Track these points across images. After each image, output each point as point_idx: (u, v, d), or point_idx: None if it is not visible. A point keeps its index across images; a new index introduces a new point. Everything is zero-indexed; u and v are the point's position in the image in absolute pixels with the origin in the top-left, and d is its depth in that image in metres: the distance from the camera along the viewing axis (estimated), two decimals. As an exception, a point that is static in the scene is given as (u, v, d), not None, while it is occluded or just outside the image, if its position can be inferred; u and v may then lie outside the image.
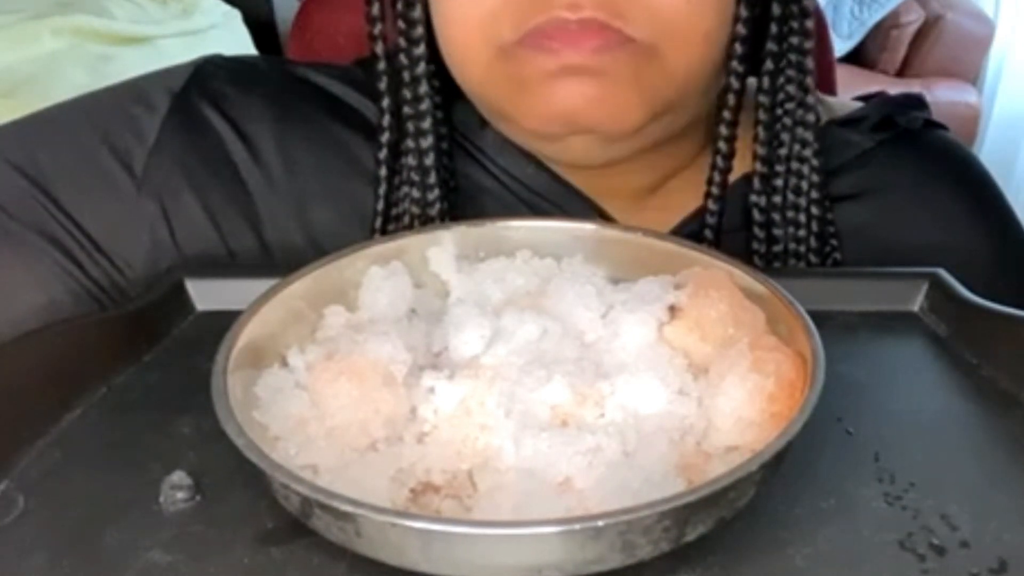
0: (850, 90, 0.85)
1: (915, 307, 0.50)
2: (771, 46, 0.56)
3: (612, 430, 0.35)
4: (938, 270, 0.50)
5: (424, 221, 0.57)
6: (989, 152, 2.78)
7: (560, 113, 0.50)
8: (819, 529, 0.34)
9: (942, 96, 2.70)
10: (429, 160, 0.57)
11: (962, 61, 2.86)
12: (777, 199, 0.58)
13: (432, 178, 0.57)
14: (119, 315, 0.47)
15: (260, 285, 0.42)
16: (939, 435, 0.40)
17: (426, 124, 0.57)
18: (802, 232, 0.58)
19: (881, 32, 2.84)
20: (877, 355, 0.47)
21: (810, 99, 0.57)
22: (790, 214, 0.58)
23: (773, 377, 0.35)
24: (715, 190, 0.57)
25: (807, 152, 0.57)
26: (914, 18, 2.83)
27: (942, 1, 2.85)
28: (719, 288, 0.40)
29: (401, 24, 0.56)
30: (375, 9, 0.57)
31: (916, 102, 0.66)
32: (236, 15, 1.75)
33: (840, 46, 2.80)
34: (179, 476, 0.36)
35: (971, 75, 2.90)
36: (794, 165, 0.58)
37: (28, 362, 0.41)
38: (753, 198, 0.58)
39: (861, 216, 0.61)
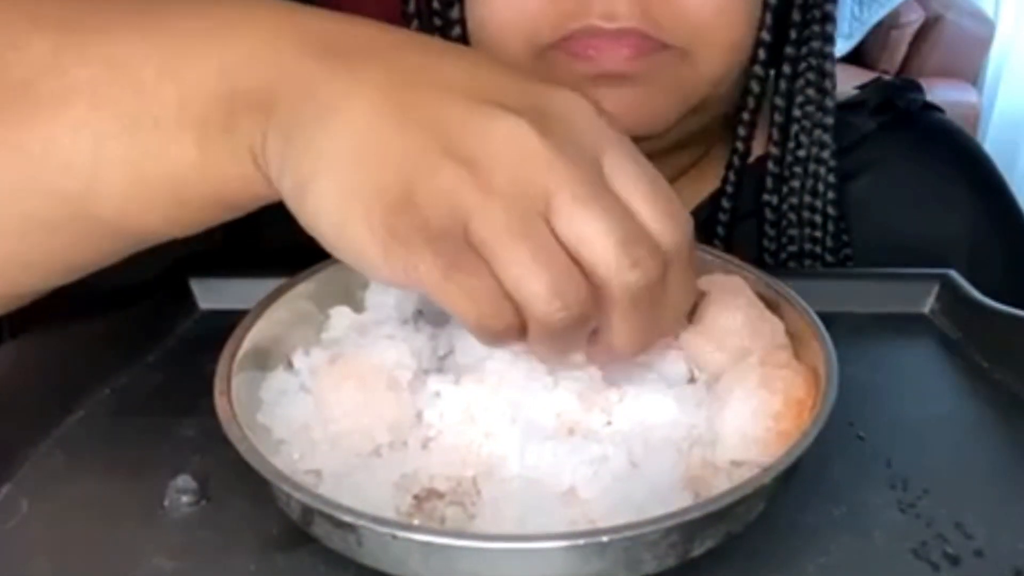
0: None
1: (926, 309, 0.49)
2: (789, 51, 0.57)
3: (619, 439, 0.34)
4: (949, 271, 0.50)
5: None
6: (989, 152, 2.77)
7: None
8: (832, 538, 0.34)
9: (942, 96, 2.67)
10: None
11: (962, 61, 2.86)
12: (794, 200, 0.59)
13: None
14: (122, 315, 0.46)
15: (264, 284, 0.41)
16: (952, 440, 0.40)
17: None
18: (818, 233, 0.59)
19: (881, 32, 2.84)
20: (887, 358, 0.46)
21: (828, 102, 0.58)
22: (806, 215, 0.59)
23: (781, 395, 0.35)
24: (730, 188, 0.59)
25: (825, 154, 0.59)
26: (914, 18, 2.83)
27: (942, 1, 2.85)
28: (737, 296, 0.39)
29: (438, 21, 0.56)
30: (411, 7, 0.58)
31: (912, 86, 0.68)
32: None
33: (840, 46, 2.77)
34: (184, 480, 0.35)
35: (971, 75, 2.90)
36: (811, 167, 0.59)
37: (29, 363, 0.41)
38: (765, 197, 0.60)
39: (863, 192, 0.62)
